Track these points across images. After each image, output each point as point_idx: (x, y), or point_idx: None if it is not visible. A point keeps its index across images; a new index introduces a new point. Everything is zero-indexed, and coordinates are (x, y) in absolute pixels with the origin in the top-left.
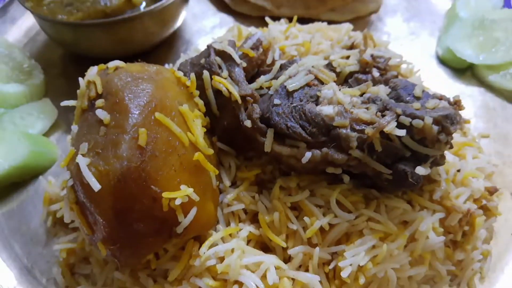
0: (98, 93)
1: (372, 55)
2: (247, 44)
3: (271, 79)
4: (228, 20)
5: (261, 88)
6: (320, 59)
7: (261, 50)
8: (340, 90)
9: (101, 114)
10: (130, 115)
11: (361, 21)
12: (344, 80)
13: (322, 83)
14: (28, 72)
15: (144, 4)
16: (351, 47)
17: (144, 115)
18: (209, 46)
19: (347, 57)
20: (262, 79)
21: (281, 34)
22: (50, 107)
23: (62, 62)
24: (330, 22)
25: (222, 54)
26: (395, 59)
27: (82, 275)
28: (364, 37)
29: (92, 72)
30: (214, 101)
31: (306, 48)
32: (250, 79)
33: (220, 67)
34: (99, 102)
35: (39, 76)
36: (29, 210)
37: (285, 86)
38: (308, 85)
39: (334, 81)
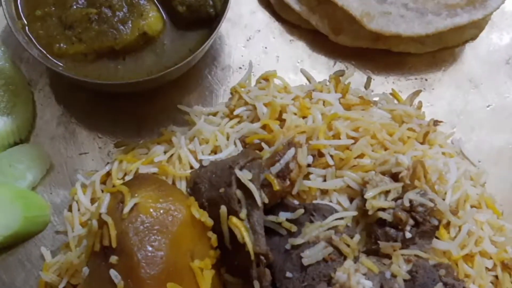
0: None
1: (411, 203)
2: (275, 168)
3: (292, 219)
4: (271, 27)
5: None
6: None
7: (288, 182)
8: (359, 259)
9: (115, 276)
10: None
11: (445, 53)
12: (376, 221)
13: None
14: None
15: (165, 34)
16: (395, 177)
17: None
18: (232, 171)
19: (387, 192)
20: (283, 217)
21: (321, 119)
22: (42, 153)
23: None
24: (403, 54)
25: (245, 189)
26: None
27: None
28: (413, 170)
29: (104, 205)
30: (228, 236)
31: (346, 159)
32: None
33: (239, 202)
34: (113, 259)
35: (27, 103)
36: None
37: (301, 256)
38: (325, 260)
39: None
